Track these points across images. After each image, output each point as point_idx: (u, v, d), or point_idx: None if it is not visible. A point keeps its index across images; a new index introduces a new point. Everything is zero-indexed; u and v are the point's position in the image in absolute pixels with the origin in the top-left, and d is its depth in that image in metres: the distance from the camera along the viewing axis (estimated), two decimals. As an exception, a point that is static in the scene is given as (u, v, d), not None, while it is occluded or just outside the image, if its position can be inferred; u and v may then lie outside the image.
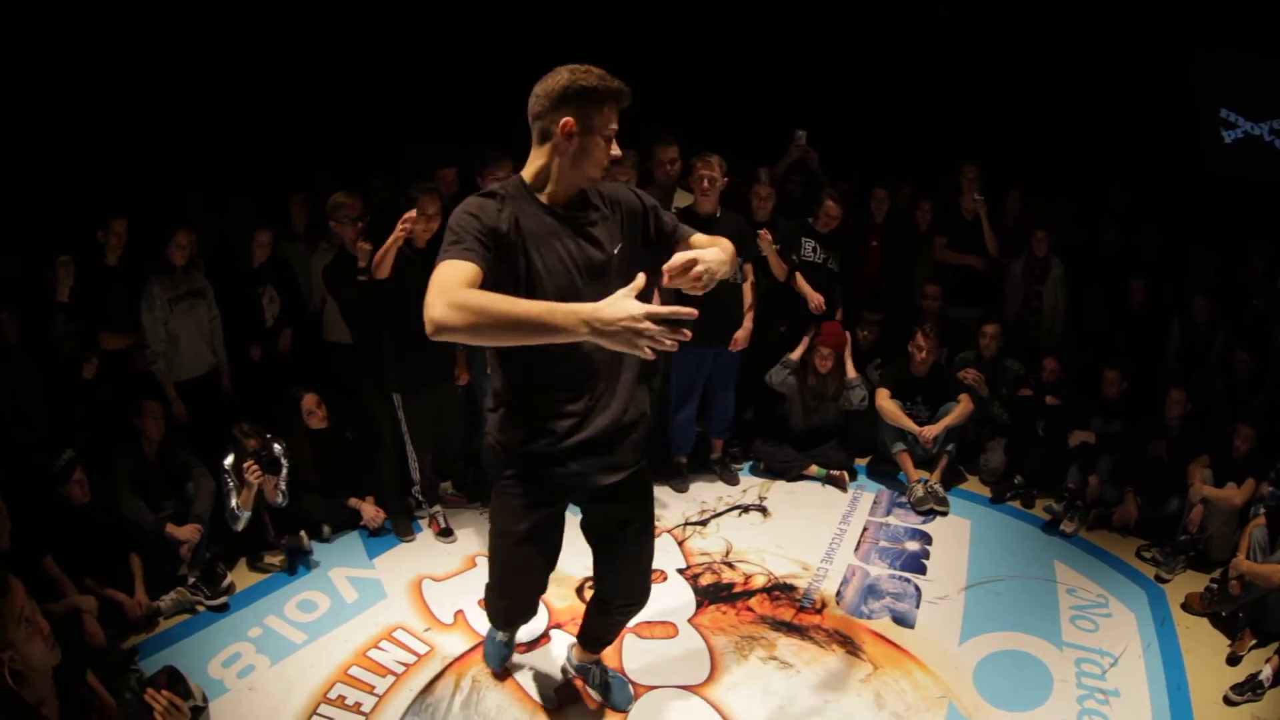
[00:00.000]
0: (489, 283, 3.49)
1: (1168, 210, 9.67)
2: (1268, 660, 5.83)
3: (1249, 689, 5.70)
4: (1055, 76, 10.35)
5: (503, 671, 5.77)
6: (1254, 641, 6.18)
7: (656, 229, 4.24)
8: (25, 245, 7.39)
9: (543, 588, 4.97)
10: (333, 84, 9.69)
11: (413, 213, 6.40)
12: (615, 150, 3.87)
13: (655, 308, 3.14)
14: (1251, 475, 7.05)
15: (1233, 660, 6.12)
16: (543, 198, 3.91)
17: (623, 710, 5.49)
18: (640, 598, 4.88)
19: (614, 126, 3.83)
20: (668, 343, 3.14)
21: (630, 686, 5.63)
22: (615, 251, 4.03)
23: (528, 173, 3.93)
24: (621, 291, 3.22)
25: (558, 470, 3.99)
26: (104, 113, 8.37)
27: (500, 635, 5.69)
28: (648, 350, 3.16)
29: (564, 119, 3.75)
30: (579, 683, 5.66)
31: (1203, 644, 6.30)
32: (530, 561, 4.62)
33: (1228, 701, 5.71)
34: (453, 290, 3.38)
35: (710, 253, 3.72)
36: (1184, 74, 9.84)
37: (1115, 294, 9.21)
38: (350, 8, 9.72)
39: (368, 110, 9.75)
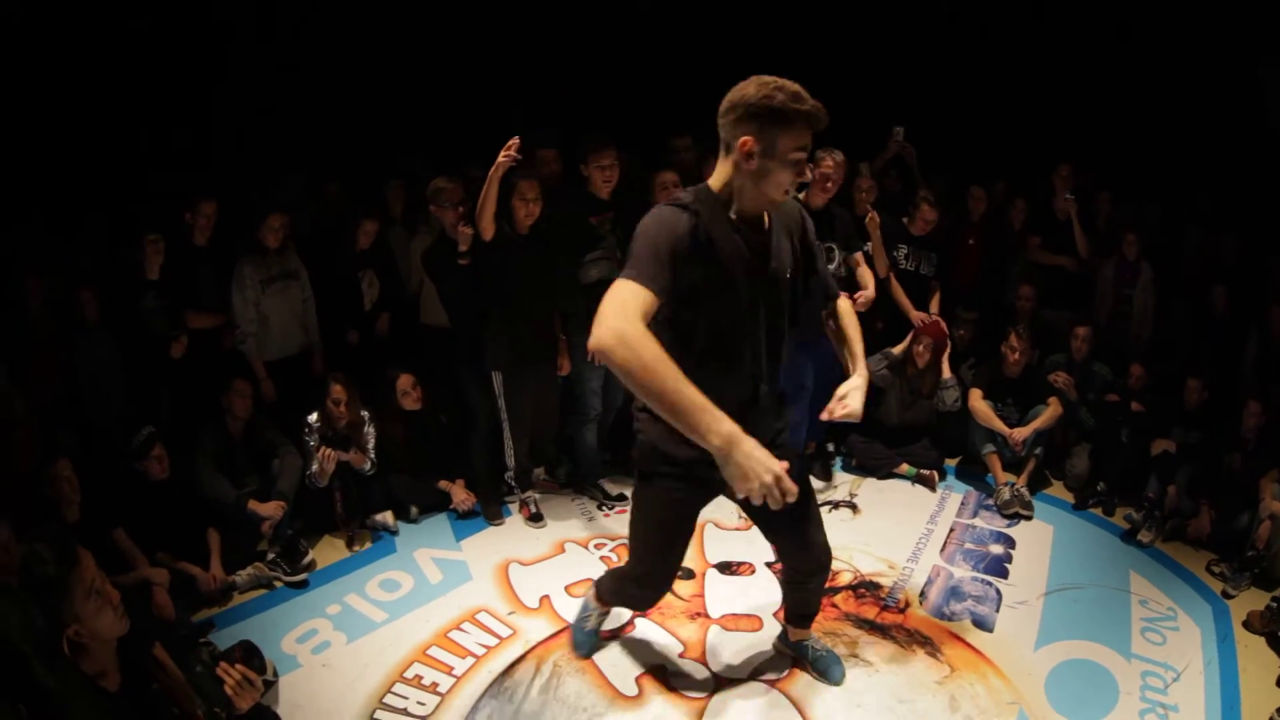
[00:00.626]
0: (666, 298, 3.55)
1: (1249, 217, 9.54)
2: None
3: None
4: (1147, 76, 10.32)
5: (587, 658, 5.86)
6: None
7: (808, 267, 4.38)
8: (111, 228, 7.57)
9: (675, 576, 5.05)
10: (426, 66, 9.94)
11: (515, 140, 6.40)
12: (805, 174, 3.79)
13: (785, 476, 3.24)
14: None
15: None
16: (731, 214, 3.89)
17: (836, 684, 5.68)
18: (824, 560, 5.03)
19: (801, 152, 3.71)
20: (770, 502, 3.23)
21: (843, 663, 5.80)
22: (788, 277, 4.14)
23: (715, 182, 3.91)
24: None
25: (714, 473, 3.50)
26: (191, 99, 8.59)
27: (591, 624, 5.79)
28: (754, 496, 3.22)
29: (743, 137, 3.70)
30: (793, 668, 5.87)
31: (1256, 663, 6.24)
32: (676, 551, 4.79)
33: None
34: (630, 321, 3.34)
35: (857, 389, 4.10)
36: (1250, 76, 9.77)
37: (1199, 301, 9.19)
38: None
39: (463, 94, 10.01)
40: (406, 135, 9.66)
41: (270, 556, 6.55)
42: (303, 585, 6.49)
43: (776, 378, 4.33)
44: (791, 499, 3.26)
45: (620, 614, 6.05)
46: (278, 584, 6.49)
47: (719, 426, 3.22)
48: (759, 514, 4.65)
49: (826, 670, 5.75)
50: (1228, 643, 6.46)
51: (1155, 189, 10.15)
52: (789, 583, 5.35)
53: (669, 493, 4.47)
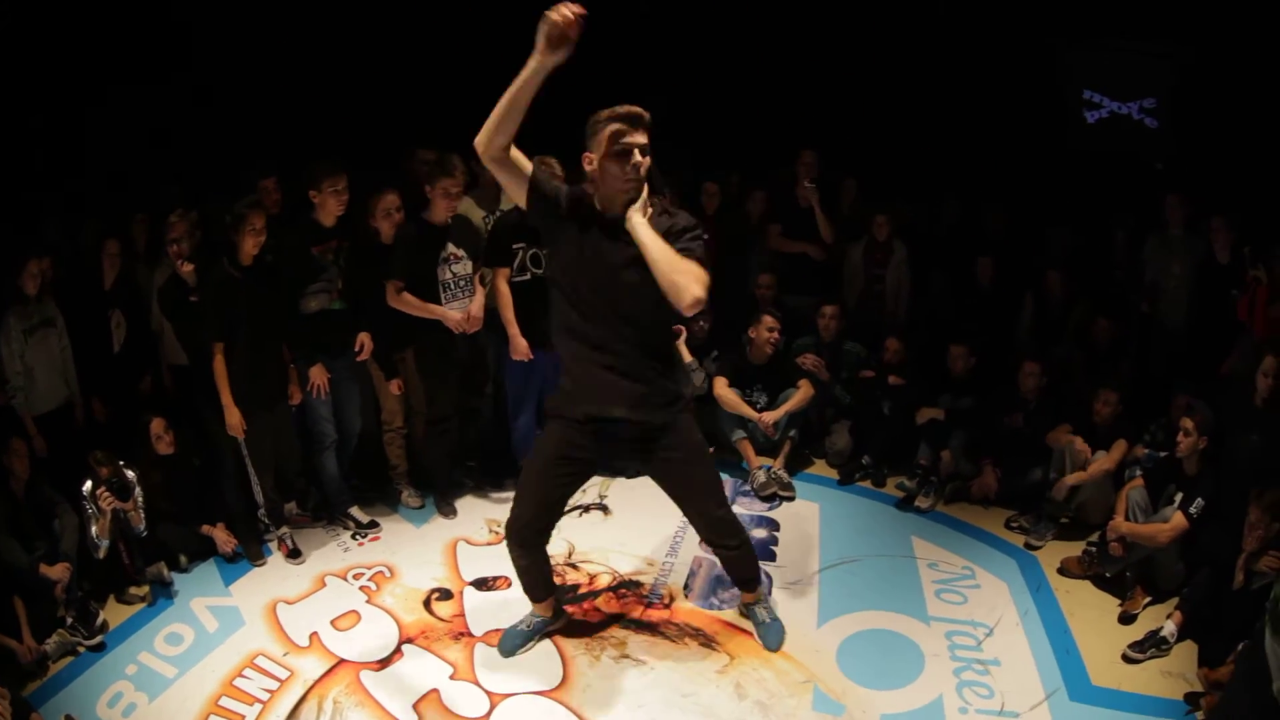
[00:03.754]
0: None
1: (1015, 190, 9.73)
2: (1169, 616, 5.85)
3: (1151, 645, 5.71)
4: (893, 61, 10.41)
5: (364, 690, 5.73)
6: (1148, 599, 6.23)
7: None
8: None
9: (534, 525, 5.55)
10: (173, 98, 9.56)
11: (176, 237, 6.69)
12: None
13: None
14: (1122, 437, 7.10)
15: (1126, 619, 6.13)
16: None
17: (772, 650, 5.84)
18: (727, 527, 5.58)
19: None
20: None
21: (782, 631, 5.98)
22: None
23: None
24: None
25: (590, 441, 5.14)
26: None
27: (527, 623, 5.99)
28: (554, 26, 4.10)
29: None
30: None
31: (1087, 606, 6.31)
32: (543, 490, 5.43)
33: (1127, 659, 5.70)
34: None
35: None
36: (1041, 57, 10.05)
37: (960, 274, 9.23)
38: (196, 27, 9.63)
39: (209, 125, 9.62)
40: (158, 166, 9.27)
41: (69, 621, 6.24)
42: (101, 648, 6.21)
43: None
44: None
45: (385, 644, 6.09)
46: (80, 649, 6.20)
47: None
48: (672, 493, 5.50)
49: (764, 636, 5.97)
50: (1044, 591, 6.51)
51: (908, 172, 10.15)
52: (715, 551, 5.88)
53: (560, 430, 5.20)
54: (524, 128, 4.48)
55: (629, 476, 8.09)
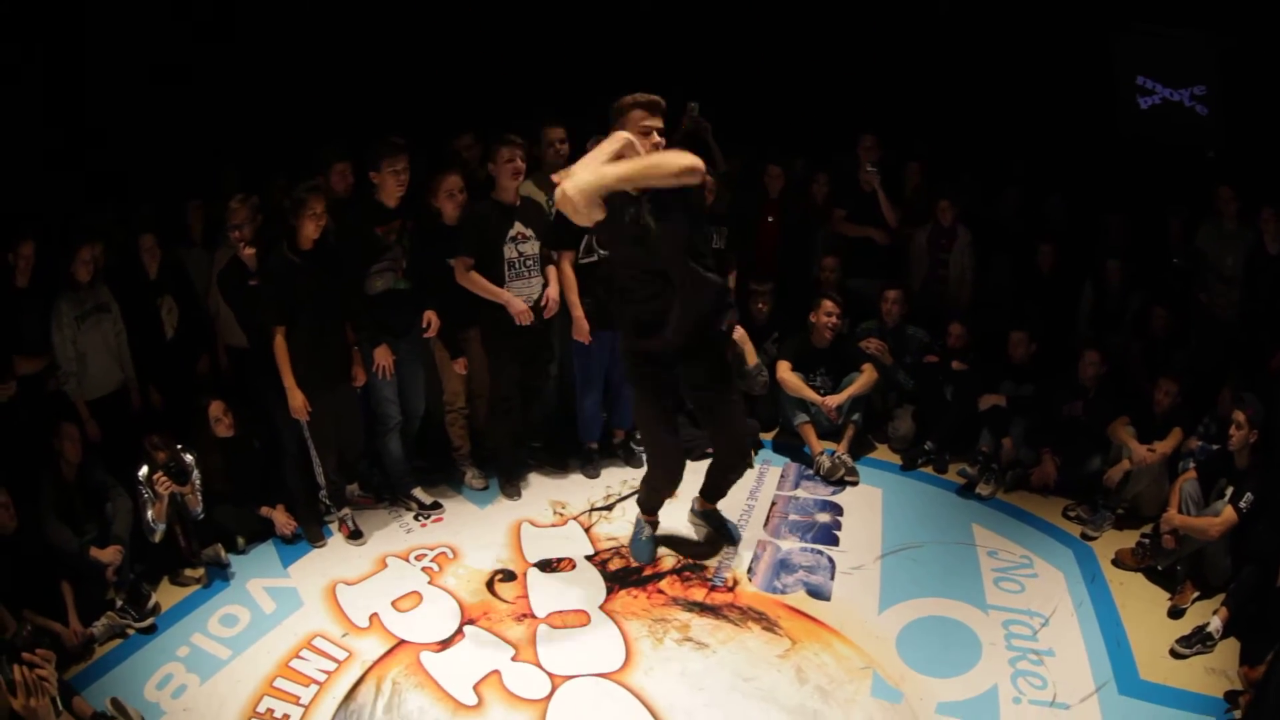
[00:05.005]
0: None
1: (1074, 178, 9.68)
2: (1215, 612, 5.86)
3: (1197, 641, 5.74)
4: (956, 46, 10.34)
5: (424, 671, 5.82)
6: (1196, 594, 6.24)
7: None
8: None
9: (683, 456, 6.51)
10: (230, 81, 9.59)
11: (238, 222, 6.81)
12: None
13: None
14: (1177, 426, 7.12)
15: (1175, 613, 6.16)
16: None
17: (734, 544, 6.88)
18: (743, 449, 6.59)
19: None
20: None
21: (740, 528, 7.05)
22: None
23: None
24: None
25: (666, 362, 5.98)
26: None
27: (646, 534, 6.77)
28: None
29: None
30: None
31: (1139, 598, 6.33)
32: (670, 426, 6.33)
33: (1175, 654, 5.74)
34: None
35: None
36: (1094, 44, 9.91)
37: (1023, 260, 9.19)
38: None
39: (268, 107, 9.65)
40: (210, 152, 9.19)
41: (118, 604, 6.31)
42: (152, 630, 6.28)
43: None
44: None
45: (446, 626, 6.18)
46: (129, 631, 6.26)
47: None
48: (696, 404, 6.56)
49: (728, 529, 7.00)
50: (1098, 582, 6.54)
51: (971, 157, 10.12)
52: (716, 466, 6.64)
53: (644, 376, 5.97)
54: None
55: (693, 459, 7.90)
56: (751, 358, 7.77)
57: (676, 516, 7.10)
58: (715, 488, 6.80)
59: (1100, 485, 7.23)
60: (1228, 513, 6.01)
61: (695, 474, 6.84)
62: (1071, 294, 8.93)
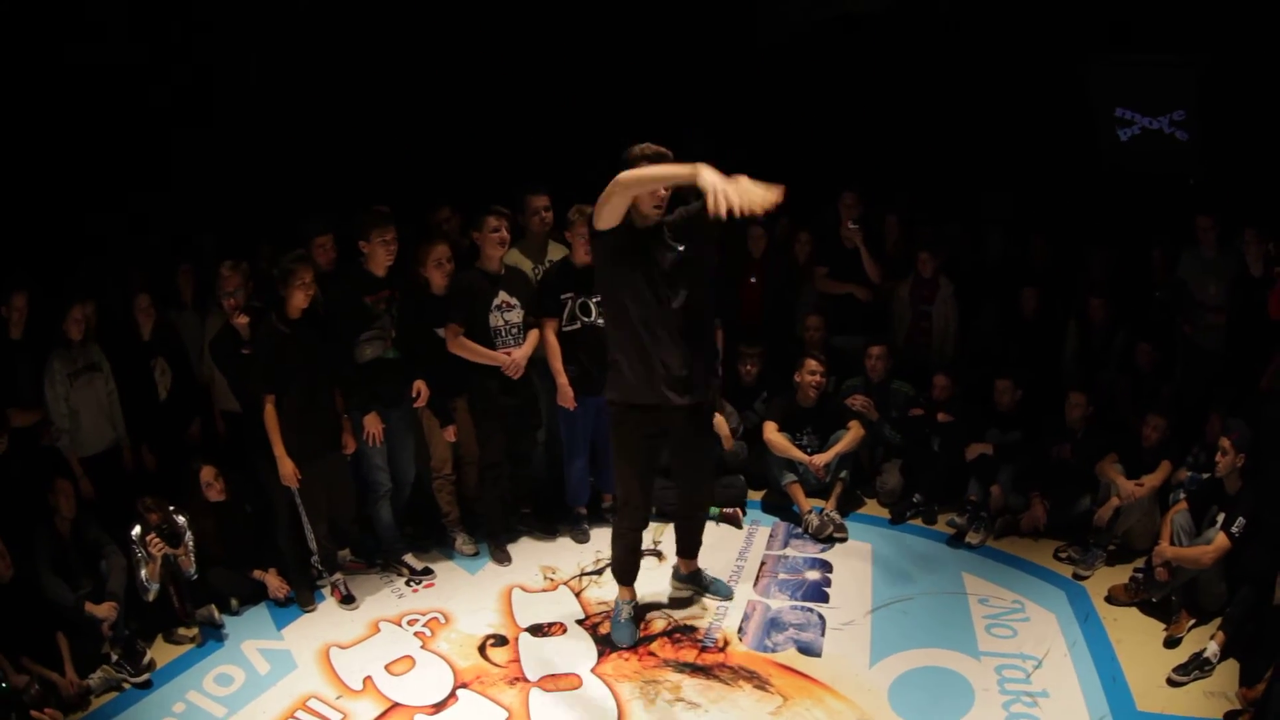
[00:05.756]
0: None
1: (1057, 217, 9.77)
2: (1211, 637, 5.88)
3: (1195, 668, 5.75)
4: (927, 98, 10.45)
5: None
6: (1193, 621, 6.25)
7: None
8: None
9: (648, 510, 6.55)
10: (219, 149, 9.75)
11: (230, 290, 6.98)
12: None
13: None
14: (1166, 459, 7.17)
15: (1171, 643, 6.15)
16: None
17: (727, 599, 6.89)
18: (706, 498, 6.79)
19: None
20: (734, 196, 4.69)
21: (731, 585, 7.05)
22: None
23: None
24: None
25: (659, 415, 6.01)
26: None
27: (625, 615, 6.51)
28: (721, 197, 4.70)
29: None
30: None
31: (1134, 632, 6.35)
32: (645, 478, 6.31)
33: (1171, 683, 5.75)
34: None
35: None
36: (1068, 78, 9.96)
37: (1007, 306, 9.20)
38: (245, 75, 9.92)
39: (257, 176, 9.81)
40: (198, 217, 9.41)
41: (114, 658, 6.34)
42: (147, 685, 6.32)
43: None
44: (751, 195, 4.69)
45: (440, 688, 6.16)
46: (125, 685, 6.31)
47: (680, 166, 5.14)
48: (671, 456, 6.54)
49: (720, 590, 6.95)
50: (1091, 620, 6.54)
51: (952, 205, 10.19)
52: (682, 518, 6.73)
53: (632, 426, 5.99)
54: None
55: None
56: (728, 443, 8.17)
57: (659, 584, 7.14)
58: (689, 540, 6.78)
59: (1090, 525, 7.23)
60: (1220, 539, 6.01)
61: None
62: (1056, 335, 8.95)
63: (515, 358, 7.12)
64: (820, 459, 8.00)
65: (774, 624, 6.61)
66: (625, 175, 5.26)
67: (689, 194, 5.62)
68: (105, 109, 9.03)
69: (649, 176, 5.32)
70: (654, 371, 5.70)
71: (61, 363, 7.12)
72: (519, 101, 10.62)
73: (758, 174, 9.83)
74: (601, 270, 5.87)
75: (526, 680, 6.12)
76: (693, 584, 6.93)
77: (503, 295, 7.10)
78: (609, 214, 5.43)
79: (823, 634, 6.47)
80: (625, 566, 6.52)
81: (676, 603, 6.93)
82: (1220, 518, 6.12)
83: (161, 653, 6.59)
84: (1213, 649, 5.72)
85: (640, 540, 6.46)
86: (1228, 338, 8.14)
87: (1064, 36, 9.68)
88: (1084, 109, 10.07)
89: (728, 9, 11.06)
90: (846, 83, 10.71)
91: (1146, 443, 7.22)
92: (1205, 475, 6.83)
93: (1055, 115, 10.01)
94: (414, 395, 7.16)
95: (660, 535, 7.88)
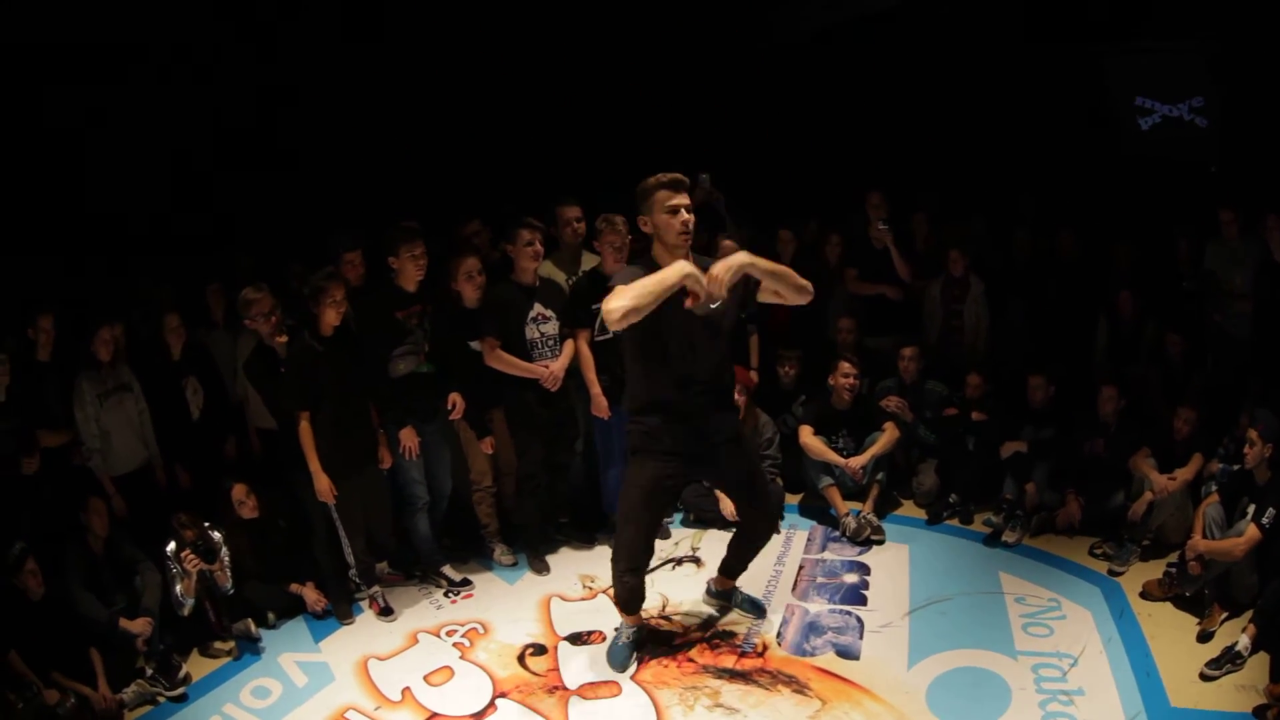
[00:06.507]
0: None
1: (1083, 211, 9.68)
2: (1244, 630, 5.83)
3: (1227, 661, 5.71)
4: (950, 93, 10.47)
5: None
6: (1225, 615, 6.22)
7: None
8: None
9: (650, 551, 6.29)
10: (238, 173, 9.76)
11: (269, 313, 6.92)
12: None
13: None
14: (1198, 452, 7.14)
15: (1204, 637, 6.13)
16: None
17: (761, 615, 6.74)
18: (772, 525, 6.61)
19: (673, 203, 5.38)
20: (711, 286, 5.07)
21: (769, 594, 6.98)
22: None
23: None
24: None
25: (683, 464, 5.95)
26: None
27: (624, 639, 6.37)
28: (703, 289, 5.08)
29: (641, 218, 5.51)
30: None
31: (1167, 627, 6.32)
32: (652, 519, 6.12)
33: (1204, 678, 5.71)
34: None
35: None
36: (1087, 70, 9.93)
37: (1036, 301, 9.19)
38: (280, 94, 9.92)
39: (288, 194, 9.84)
40: (227, 234, 9.47)
41: (149, 673, 6.40)
42: (183, 699, 6.38)
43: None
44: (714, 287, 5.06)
45: (479, 700, 6.17)
46: (160, 699, 6.38)
47: (667, 273, 5.13)
48: (725, 488, 6.96)
49: (753, 608, 6.81)
50: (1126, 616, 6.51)
51: (978, 201, 10.21)
52: (744, 539, 6.53)
53: (654, 466, 5.76)
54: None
55: (720, 527, 8.05)
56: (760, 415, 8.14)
57: (697, 591, 7.15)
58: (738, 563, 6.66)
59: (1125, 520, 7.20)
60: (1251, 531, 5.99)
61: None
62: (1086, 330, 8.95)
63: (554, 370, 7.16)
64: (856, 461, 8.01)
65: (812, 628, 6.60)
66: (625, 303, 5.03)
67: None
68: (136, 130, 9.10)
69: (647, 294, 5.07)
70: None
71: (90, 384, 7.20)
72: (545, 112, 10.69)
73: (786, 180, 9.94)
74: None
75: (566, 689, 6.13)
76: (725, 600, 6.89)
77: (538, 308, 7.14)
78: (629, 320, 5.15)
79: (861, 637, 6.46)
80: (629, 597, 6.34)
81: (714, 608, 6.93)
82: (1251, 509, 6.10)
83: (198, 667, 6.67)
84: (1244, 642, 5.70)
85: (637, 566, 6.21)
86: (1255, 324, 8.16)
87: (1080, 26, 9.67)
88: (1104, 100, 10.06)
89: (749, 14, 11.11)
90: (867, 83, 10.73)
91: (1178, 435, 7.21)
92: (1236, 467, 6.78)
93: (1076, 108, 10.00)
94: (449, 408, 7.19)
95: (699, 541, 7.93)
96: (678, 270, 5.07)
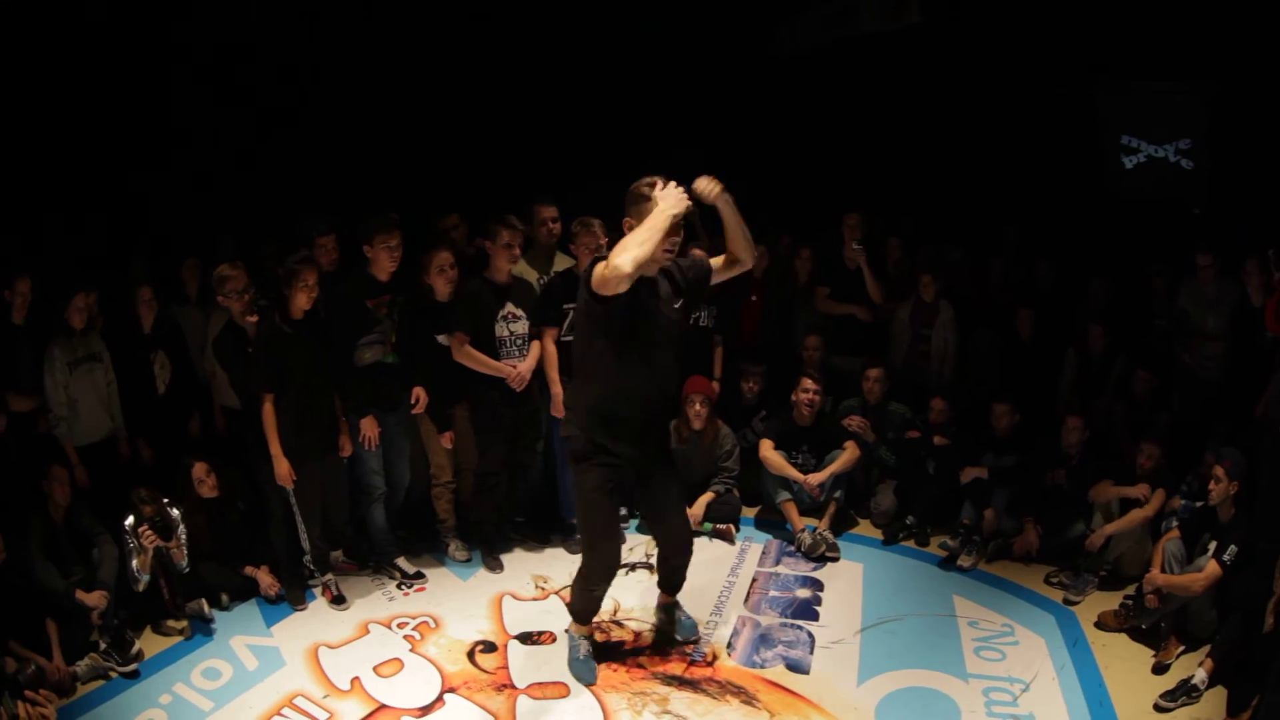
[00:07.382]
0: None
1: (1062, 244, 9.74)
2: (1200, 664, 5.88)
3: (1183, 694, 5.75)
4: (937, 120, 10.47)
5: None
6: (1181, 648, 6.26)
7: None
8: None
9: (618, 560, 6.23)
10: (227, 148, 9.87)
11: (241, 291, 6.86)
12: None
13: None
14: (1161, 487, 7.18)
15: (1159, 669, 6.16)
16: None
17: (691, 640, 6.57)
18: (685, 544, 6.39)
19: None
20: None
21: (698, 625, 6.73)
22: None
23: None
24: None
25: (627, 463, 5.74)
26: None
27: (582, 652, 6.30)
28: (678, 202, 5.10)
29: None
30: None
31: (1122, 659, 6.33)
32: (614, 527, 6.13)
33: (1159, 709, 5.74)
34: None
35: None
36: (1075, 104, 9.94)
37: (1005, 330, 9.22)
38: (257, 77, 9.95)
39: (270, 178, 9.87)
40: (211, 214, 9.60)
41: (102, 647, 6.38)
42: (135, 675, 6.35)
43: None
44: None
45: (428, 692, 6.17)
46: (112, 674, 6.35)
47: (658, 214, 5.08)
48: (643, 509, 6.66)
49: (685, 629, 6.66)
50: (1080, 645, 6.52)
51: (958, 229, 10.26)
52: (663, 560, 6.52)
53: (604, 466, 5.65)
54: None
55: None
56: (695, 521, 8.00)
57: (650, 598, 7.12)
58: (666, 580, 6.66)
59: (1082, 550, 7.23)
60: (1211, 567, 6.03)
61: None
62: (1054, 361, 8.99)
63: (521, 370, 7.15)
64: (815, 478, 8.00)
65: (763, 640, 6.61)
66: (633, 252, 4.95)
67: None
68: (121, 101, 9.13)
69: (648, 239, 5.03)
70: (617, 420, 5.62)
71: (62, 351, 7.15)
72: (530, 111, 10.67)
73: (761, 195, 9.95)
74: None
75: (515, 687, 6.12)
76: (666, 613, 6.81)
77: (509, 306, 7.15)
78: (620, 285, 5.12)
79: (811, 652, 6.46)
80: (584, 606, 6.36)
81: (665, 616, 6.90)
82: (1212, 546, 6.14)
83: (150, 644, 6.61)
84: (1201, 676, 5.74)
85: (609, 574, 6.21)
86: (1226, 365, 8.18)
87: (1073, 62, 9.69)
88: (1090, 135, 10.06)
89: (738, 28, 11.10)
90: (853, 104, 10.73)
91: (1140, 470, 7.22)
92: (1199, 504, 6.84)
93: (1061, 141, 9.99)
94: (413, 401, 7.17)
95: (652, 548, 7.67)
96: (669, 207, 5.04)
